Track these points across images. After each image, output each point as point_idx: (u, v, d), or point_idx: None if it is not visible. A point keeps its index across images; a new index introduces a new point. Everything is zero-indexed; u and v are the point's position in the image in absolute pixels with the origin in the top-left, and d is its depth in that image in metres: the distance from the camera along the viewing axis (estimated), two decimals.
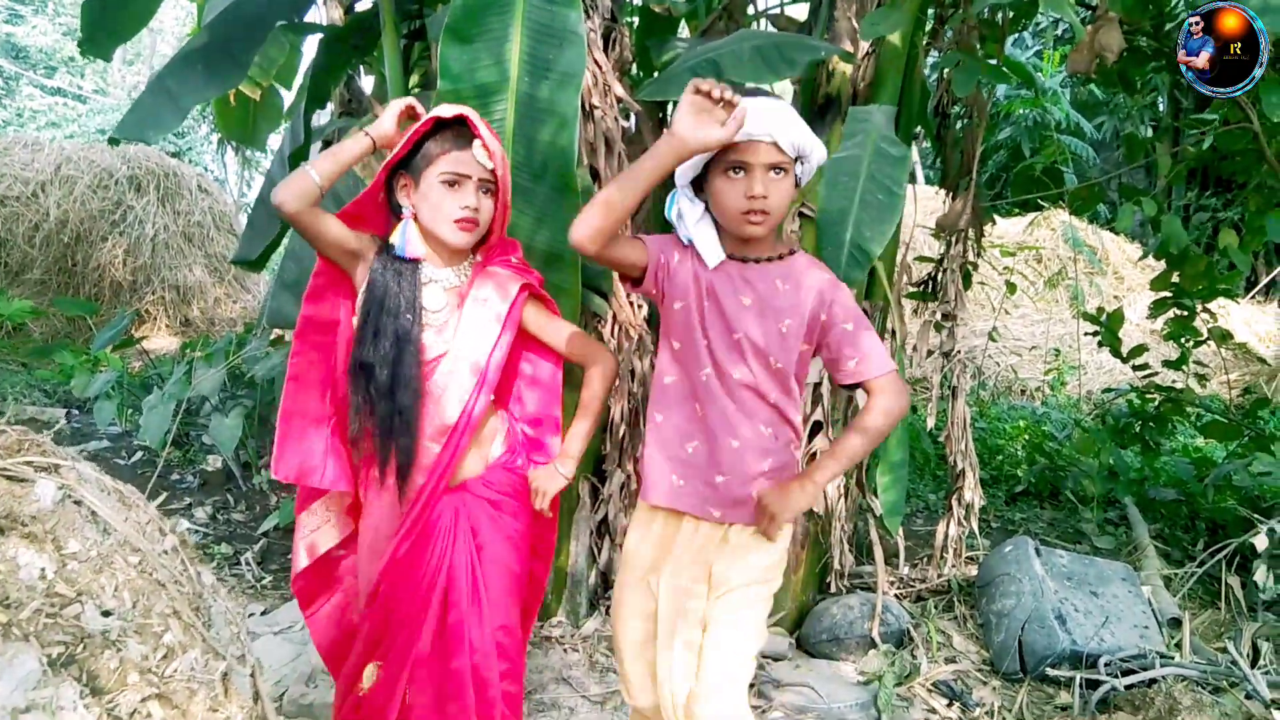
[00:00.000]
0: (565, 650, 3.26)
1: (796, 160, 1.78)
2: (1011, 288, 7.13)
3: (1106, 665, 2.92)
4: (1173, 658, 2.93)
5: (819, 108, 3.35)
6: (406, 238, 1.95)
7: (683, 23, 4.97)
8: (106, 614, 1.03)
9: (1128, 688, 2.68)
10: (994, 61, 3.48)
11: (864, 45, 3.15)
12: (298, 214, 1.90)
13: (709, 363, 1.84)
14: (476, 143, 1.92)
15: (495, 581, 1.99)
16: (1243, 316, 10.52)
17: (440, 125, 1.94)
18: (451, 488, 2.00)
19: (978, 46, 3.09)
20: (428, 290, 1.98)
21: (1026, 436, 6.63)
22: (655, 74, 4.00)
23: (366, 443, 1.99)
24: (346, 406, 2.02)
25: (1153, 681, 2.73)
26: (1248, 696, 2.51)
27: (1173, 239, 3.81)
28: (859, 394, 2.12)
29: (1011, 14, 3.19)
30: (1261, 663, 2.83)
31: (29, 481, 1.11)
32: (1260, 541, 3.10)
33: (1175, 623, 3.34)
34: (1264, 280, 10.26)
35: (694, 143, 1.65)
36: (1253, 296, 10.65)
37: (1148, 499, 5.15)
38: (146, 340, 8.88)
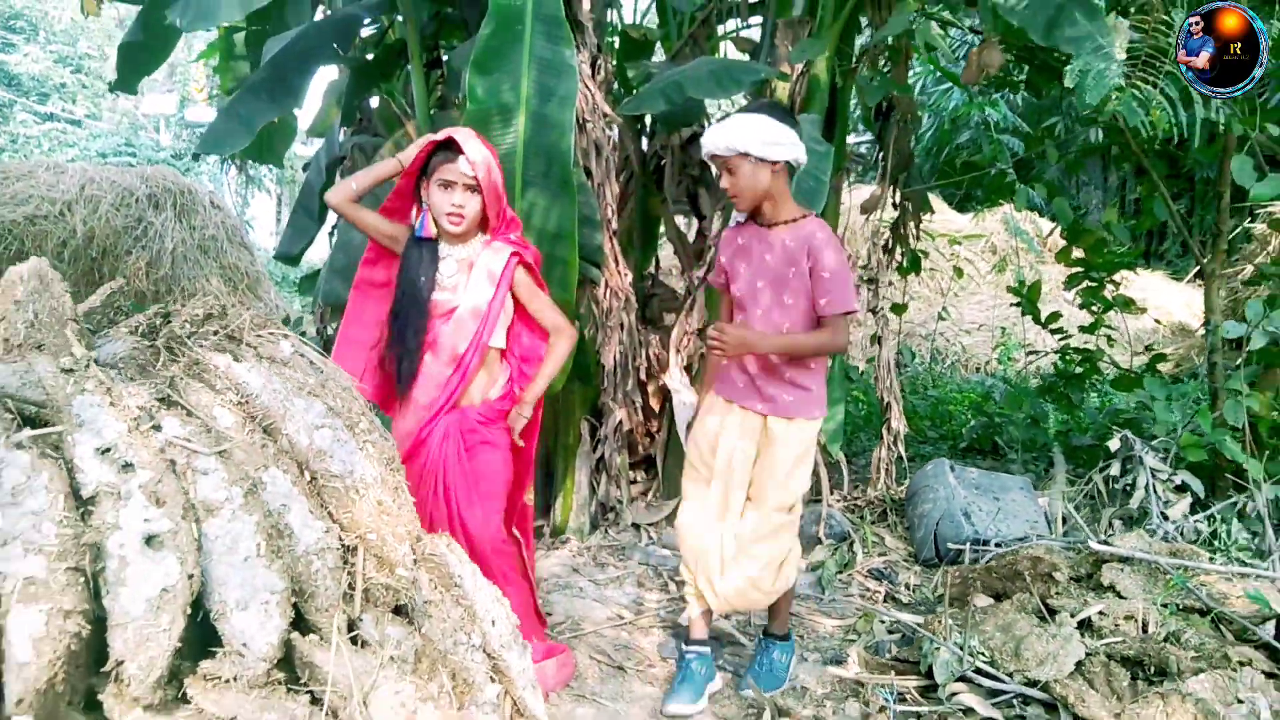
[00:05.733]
0: (575, 555, 4.07)
1: (745, 155, 2.61)
2: (959, 272, 8.01)
3: (997, 545, 3.75)
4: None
5: None
6: (423, 223, 2.75)
7: (658, 44, 5.82)
8: (332, 410, 1.84)
9: (1004, 552, 3.50)
10: (924, 65, 4.30)
11: (798, 67, 3.98)
12: (338, 206, 2.73)
13: (743, 307, 2.80)
14: (462, 158, 2.64)
15: (482, 471, 2.73)
16: (1183, 299, 11.44)
17: (440, 145, 2.67)
18: (456, 407, 2.74)
19: (882, 65, 3.91)
20: (444, 263, 2.75)
21: (972, 401, 7.47)
22: (634, 92, 4.84)
23: (391, 364, 2.78)
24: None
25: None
26: (1092, 554, 3.31)
27: (1061, 216, 4.64)
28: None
29: (909, 39, 4.00)
30: (1109, 531, 3.67)
31: (275, 342, 1.92)
32: (1114, 444, 3.95)
33: (1065, 521, 4.16)
34: (1197, 266, 11.12)
35: None
36: (1191, 279, 11.54)
37: (1071, 447, 5.98)
38: None
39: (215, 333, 1.83)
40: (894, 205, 5.11)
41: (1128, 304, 5.97)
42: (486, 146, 2.72)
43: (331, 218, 5.46)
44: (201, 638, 1.43)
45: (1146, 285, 11.45)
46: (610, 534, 4.34)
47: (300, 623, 1.52)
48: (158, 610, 1.29)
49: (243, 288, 11.74)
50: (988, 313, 10.59)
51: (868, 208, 4.39)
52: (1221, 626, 2.77)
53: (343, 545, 1.60)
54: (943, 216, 11.24)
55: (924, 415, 7.07)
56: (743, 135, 2.60)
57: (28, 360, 1.48)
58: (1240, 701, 2.37)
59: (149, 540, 1.32)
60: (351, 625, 1.56)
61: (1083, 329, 6.13)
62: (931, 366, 8.86)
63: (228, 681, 1.36)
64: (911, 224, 5.40)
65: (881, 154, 5.09)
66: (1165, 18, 2.54)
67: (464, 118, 3.42)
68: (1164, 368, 9.10)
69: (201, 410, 1.54)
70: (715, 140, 2.63)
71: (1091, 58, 2.69)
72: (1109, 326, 6.25)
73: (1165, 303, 11.26)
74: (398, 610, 1.69)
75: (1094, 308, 5.93)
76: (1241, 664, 2.51)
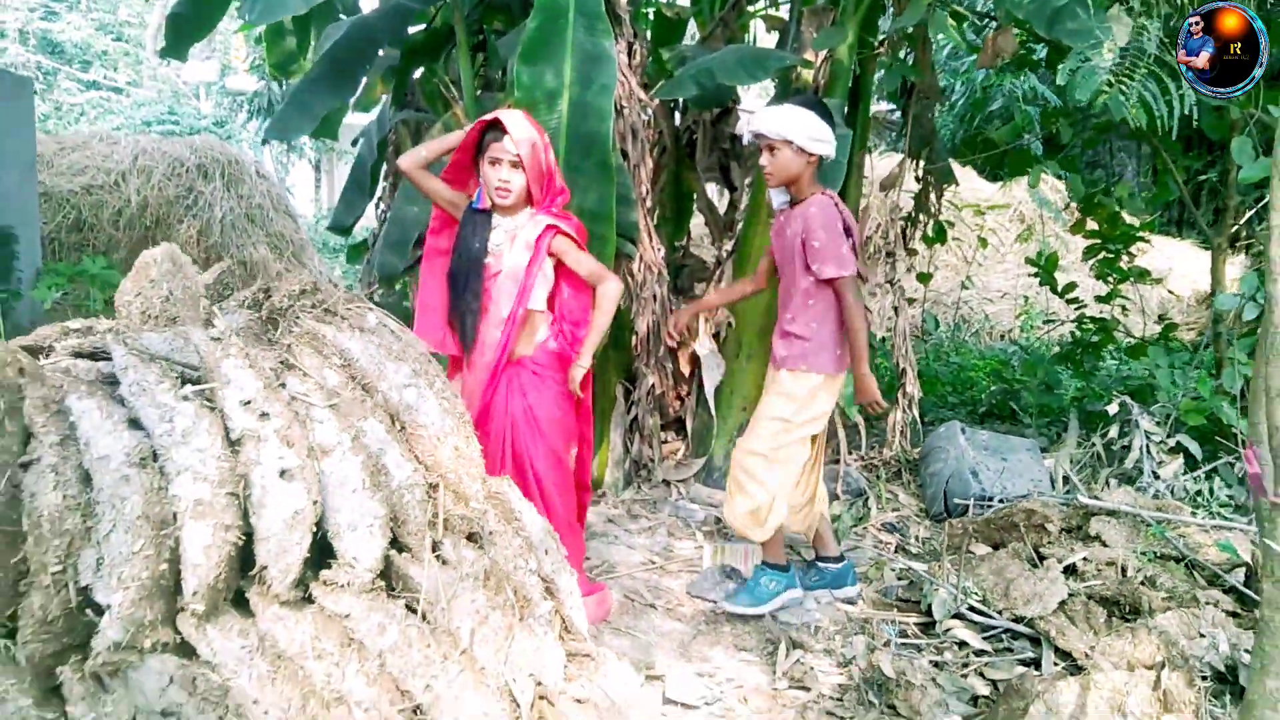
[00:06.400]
0: (611, 507, 4.42)
1: (789, 143, 2.96)
2: (983, 243, 8.22)
3: (1001, 501, 4.05)
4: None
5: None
6: (479, 195, 3.07)
7: (691, 21, 6.07)
8: (415, 371, 2.18)
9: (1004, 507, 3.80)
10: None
11: (822, 54, 4.24)
12: (409, 171, 3.03)
13: (778, 271, 3.24)
14: (507, 137, 2.93)
15: (544, 419, 3.06)
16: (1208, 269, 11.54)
17: (490, 125, 2.97)
18: (512, 361, 3.06)
19: (903, 51, 4.16)
20: (494, 232, 3.06)
21: (993, 369, 7.71)
22: (667, 71, 5.11)
23: (456, 323, 3.09)
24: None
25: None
26: (1082, 508, 3.60)
27: (1074, 190, 4.87)
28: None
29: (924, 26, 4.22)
30: (1104, 489, 3.96)
31: (363, 315, 2.26)
32: (1113, 409, 4.22)
33: (1067, 480, 4.45)
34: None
35: None
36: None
37: (1086, 412, 6.23)
38: None
39: (313, 306, 2.17)
40: (917, 179, 5.36)
41: (1143, 275, 6.19)
42: (534, 126, 3.00)
43: (377, 190, 5.83)
44: (320, 553, 1.78)
45: (1174, 254, 11.54)
46: (643, 489, 4.68)
47: (395, 544, 1.87)
48: (291, 528, 1.64)
49: (288, 255, 12.20)
50: (1013, 281, 10.78)
51: (886, 185, 4.65)
52: (1195, 573, 3.07)
53: (427, 483, 1.95)
54: (971, 186, 11.38)
55: (945, 382, 7.32)
56: (792, 125, 2.93)
57: (176, 330, 1.83)
58: (1202, 636, 2.67)
59: (282, 473, 1.67)
60: (435, 547, 1.91)
61: (1099, 299, 6.36)
62: (955, 334, 9.11)
63: (342, 586, 1.71)
64: (934, 196, 5.65)
65: (906, 131, 5.33)
66: (1144, 21, 2.77)
67: (511, 104, 3.73)
68: (1187, 336, 9.28)
69: (314, 371, 1.89)
70: (766, 124, 2.97)
71: (1085, 53, 2.94)
72: (1124, 297, 6.47)
73: (1192, 271, 11.35)
74: (470, 537, 2.04)
75: (1110, 278, 6.16)
76: (1208, 604, 2.81)
